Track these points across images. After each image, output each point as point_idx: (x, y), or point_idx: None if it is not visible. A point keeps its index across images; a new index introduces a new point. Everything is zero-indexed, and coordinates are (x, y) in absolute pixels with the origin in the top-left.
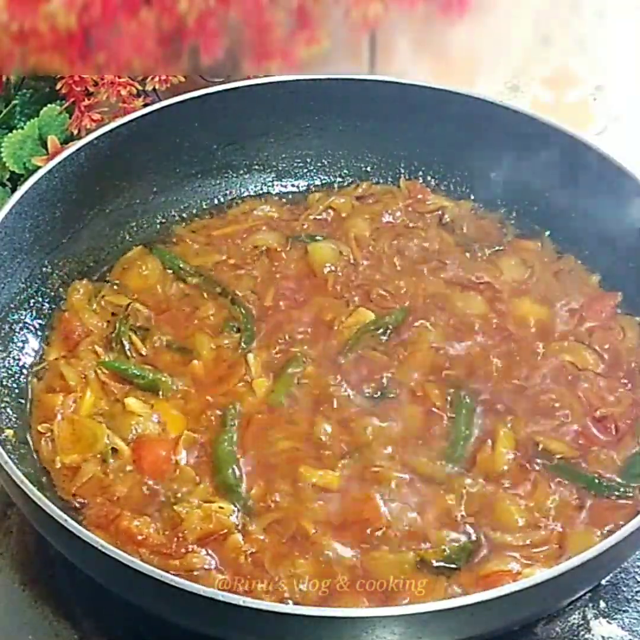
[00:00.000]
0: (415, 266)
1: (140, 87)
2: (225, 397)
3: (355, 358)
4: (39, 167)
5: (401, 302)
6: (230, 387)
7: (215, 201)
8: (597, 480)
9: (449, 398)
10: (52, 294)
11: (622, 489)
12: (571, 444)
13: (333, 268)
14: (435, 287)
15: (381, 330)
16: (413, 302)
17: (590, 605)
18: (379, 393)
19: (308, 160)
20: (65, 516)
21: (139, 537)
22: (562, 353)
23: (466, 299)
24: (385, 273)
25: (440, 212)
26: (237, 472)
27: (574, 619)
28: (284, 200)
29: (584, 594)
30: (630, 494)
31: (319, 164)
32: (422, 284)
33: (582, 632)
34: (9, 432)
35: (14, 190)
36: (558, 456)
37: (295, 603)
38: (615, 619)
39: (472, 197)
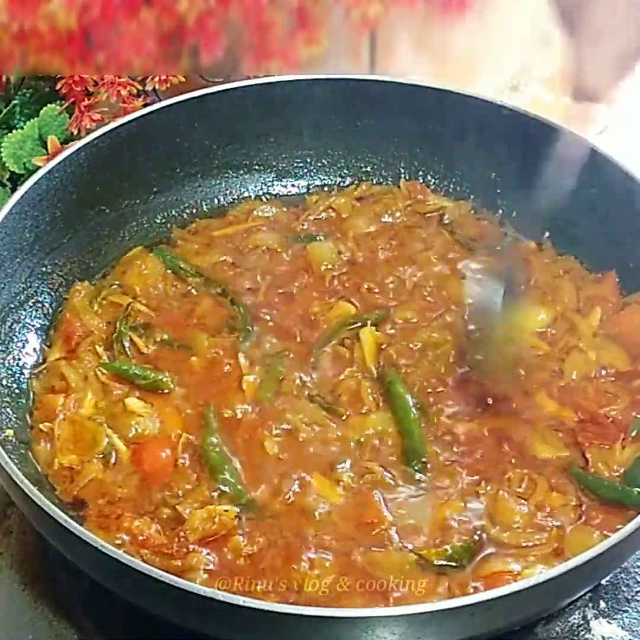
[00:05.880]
0: (415, 266)
1: (140, 87)
2: (222, 397)
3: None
4: (39, 167)
5: (401, 301)
6: (226, 387)
7: (215, 201)
8: (596, 481)
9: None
10: (53, 294)
11: (621, 489)
12: (570, 444)
13: (331, 267)
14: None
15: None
16: (412, 302)
17: (590, 605)
18: (375, 394)
19: (308, 160)
20: (65, 516)
21: (140, 538)
22: (561, 353)
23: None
24: (384, 273)
25: (440, 212)
26: (234, 473)
27: (574, 619)
28: (283, 200)
29: (584, 594)
30: (631, 495)
31: (319, 164)
32: (421, 283)
33: (582, 632)
34: (9, 432)
35: (14, 190)
36: (558, 457)
37: (295, 603)
38: (615, 619)
39: (472, 197)
